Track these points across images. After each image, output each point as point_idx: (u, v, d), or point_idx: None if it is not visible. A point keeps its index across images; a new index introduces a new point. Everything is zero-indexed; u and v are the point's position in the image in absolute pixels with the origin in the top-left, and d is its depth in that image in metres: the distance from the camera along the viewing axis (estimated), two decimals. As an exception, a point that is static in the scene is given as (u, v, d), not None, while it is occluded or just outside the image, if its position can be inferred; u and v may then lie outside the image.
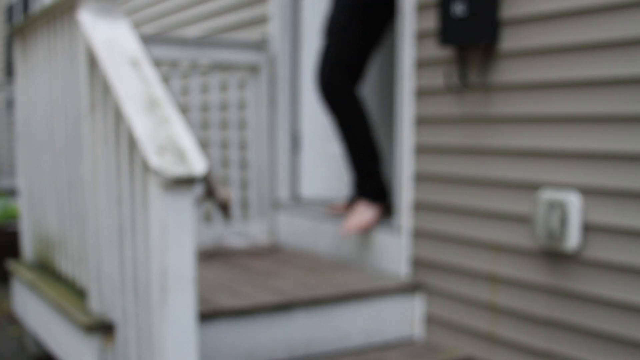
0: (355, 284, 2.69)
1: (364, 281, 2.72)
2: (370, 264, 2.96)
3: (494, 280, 2.49)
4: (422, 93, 2.75)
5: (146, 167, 1.85)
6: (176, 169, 1.75)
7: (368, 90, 3.54)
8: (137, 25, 5.22)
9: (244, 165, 3.58)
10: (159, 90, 1.99)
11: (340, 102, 3.01)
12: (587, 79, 2.18)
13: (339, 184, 3.30)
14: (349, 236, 3.01)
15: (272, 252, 3.38)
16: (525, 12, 2.35)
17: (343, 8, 3.03)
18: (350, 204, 3.11)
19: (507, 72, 2.42)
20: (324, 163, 3.44)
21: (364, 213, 2.91)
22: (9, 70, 9.08)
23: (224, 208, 3.41)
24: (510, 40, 2.40)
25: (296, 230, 3.38)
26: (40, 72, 2.84)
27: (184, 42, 3.29)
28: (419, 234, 2.78)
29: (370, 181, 3.00)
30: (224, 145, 3.68)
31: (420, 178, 2.77)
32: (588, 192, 2.19)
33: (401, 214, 2.82)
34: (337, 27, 3.03)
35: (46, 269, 2.91)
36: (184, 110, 3.50)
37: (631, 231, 2.07)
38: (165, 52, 3.22)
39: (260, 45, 3.45)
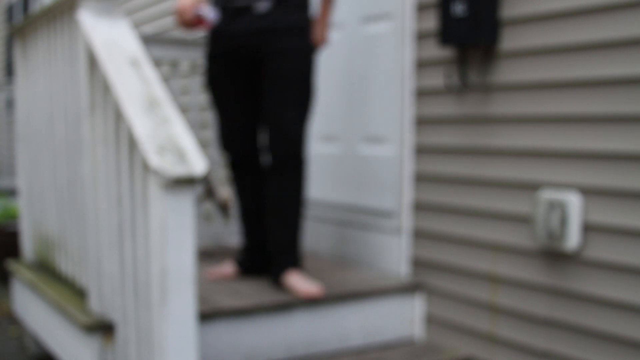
0: (355, 284, 2.69)
1: (364, 281, 2.72)
2: (371, 264, 2.96)
3: (494, 280, 2.49)
4: (422, 93, 2.75)
5: (146, 167, 1.85)
6: (176, 169, 1.75)
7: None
8: (137, 25, 5.23)
9: (244, 165, 3.58)
10: (159, 90, 1.99)
11: (303, 167, 2.65)
12: (587, 79, 2.18)
13: (338, 185, 3.29)
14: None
15: (272, 252, 3.37)
16: (525, 12, 2.35)
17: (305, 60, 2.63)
18: (249, 271, 2.80)
19: (507, 72, 2.42)
20: (323, 164, 3.44)
21: (306, 282, 2.56)
22: (9, 70, 9.08)
23: (224, 208, 3.41)
24: (510, 40, 2.40)
25: (296, 230, 3.38)
26: (40, 72, 2.84)
27: (184, 42, 3.29)
28: (419, 234, 2.78)
29: (296, 251, 2.66)
30: (224, 145, 3.67)
31: (421, 178, 2.77)
32: (588, 192, 2.19)
33: (401, 214, 2.82)
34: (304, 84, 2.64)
35: (46, 269, 2.91)
36: (184, 110, 3.50)
37: (631, 231, 2.07)
38: (165, 52, 3.23)
39: (260, 45, 3.44)
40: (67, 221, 2.59)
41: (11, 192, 5.41)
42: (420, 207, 2.78)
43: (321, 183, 3.39)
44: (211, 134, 3.51)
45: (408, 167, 2.80)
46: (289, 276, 2.58)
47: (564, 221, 2.21)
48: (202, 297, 2.43)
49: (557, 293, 2.29)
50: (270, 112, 2.59)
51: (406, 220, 2.80)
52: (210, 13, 2.54)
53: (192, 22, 2.52)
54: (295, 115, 2.58)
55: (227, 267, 2.81)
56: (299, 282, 2.54)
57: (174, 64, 3.29)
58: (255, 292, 2.56)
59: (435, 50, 2.67)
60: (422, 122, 2.75)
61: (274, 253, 2.65)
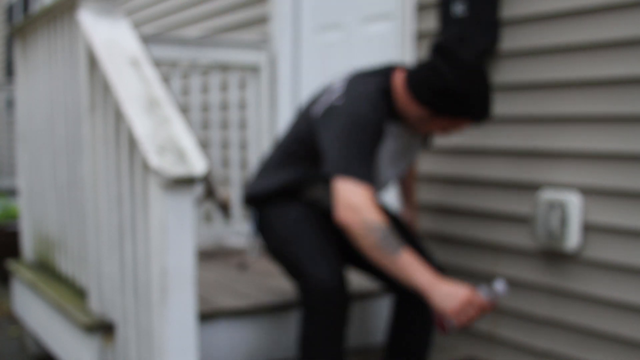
0: (353, 284, 2.69)
1: (364, 281, 2.72)
2: (370, 264, 2.96)
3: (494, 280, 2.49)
4: (422, 93, 2.74)
5: (146, 167, 1.85)
6: (176, 169, 1.75)
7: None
8: (137, 25, 5.22)
9: (244, 165, 3.58)
10: (159, 90, 1.99)
11: None
12: (587, 79, 2.18)
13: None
14: None
15: (272, 252, 3.37)
16: (525, 12, 2.35)
17: None
18: None
19: (507, 72, 2.42)
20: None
21: None
22: (9, 70, 9.08)
23: (224, 208, 3.41)
24: (510, 40, 2.40)
25: (296, 230, 3.38)
26: (40, 71, 2.83)
27: (184, 42, 3.29)
28: (418, 234, 2.78)
29: None
30: (224, 145, 3.68)
31: (420, 178, 2.77)
32: (588, 192, 2.19)
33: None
34: None
35: (46, 269, 2.91)
36: (184, 110, 3.50)
37: (631, 231, 2.07)
38: (165, 52, 3.22)
39: (260, 45, 3.45)
40: (67, 221, 2.59)
41: (11, 192, 5.41)
42: (420, 208, 2.77)
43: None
44: (211, 134, 3.52)
45: (408, 167, 2.80)
46: None
47: (564, 221, 2.21)
48: (202, 297, 2.43)
49: (557, 293, 2.29)
50: None
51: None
52: (500, 286, 1.94)
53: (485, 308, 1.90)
54: None
55: None
56: None
57: (174, 64, 3.29)
58: (255, 292, 2.56)
59: (435, 50, 2.67)
60: (422, 122, 2.75)
61: None
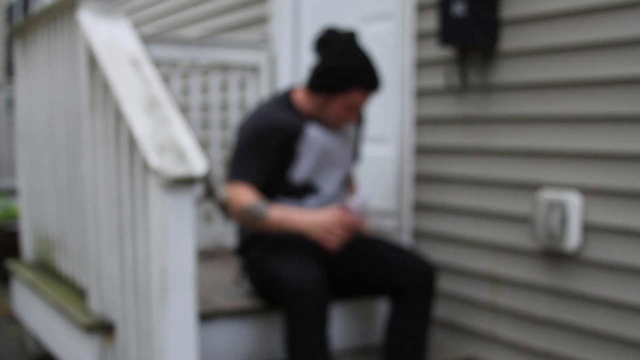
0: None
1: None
2: (370, 264, 2.96)
3: (494, 280, 2.49)
4: (422, 93, 2.75)
5: (146, 167, 1.85)
6: (176, 169, 1.75)
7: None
8: (137, 25, 5.22)
9: (244, 165, 3.58)
10: (159, 90, 1.99)
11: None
12: (587, 79, 2.18)
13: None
14: None
15: (272, 252, 3.37)
16: (525, 12, 2.34)
17: None
18: None
19: (507, 72, 2.42)
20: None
21: None
22: (9, 70, 9.08)
23: (224, 208, 3.40)
24: (510, 40, 2.40)
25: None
26: (40, 72, 2.83)
27: (183, 42, 3.29)
28: (419, 234, 2.78)
29: None
30: (224, 145, 3.67)
31: (421, 178, 2.77)
32: (588, 192, 2.19)
33: (402, 214, 2.82)
34: None
35: (46, 269, 2.91)
36: (184, 110, 3.50)
37: (631, 231, 2.07)
38: (165, 52, 3.22)
39: (260, 45, 3.45)
40: (67, 221, 2.59)
41: (11, 192, 5.41)
42: (420, 207, 2.78)
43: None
44: (211, 134, 3.52)
45: (408, 167, 2.80)
46: None
47: (564, 221, 2.21)
48: (202, 297, 2.43)
49: (557, 293, 2.29)
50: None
51: (406, 220, 2.80)
52: (357, 199, 2.18)
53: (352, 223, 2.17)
54: None
55: None
56: None
57: (174, 64, 3.29)
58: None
59: (435, 50, 2.67)
60: (422, 122, 2.75)
61: None
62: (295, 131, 2.31)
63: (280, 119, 2.31)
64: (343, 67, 2.24)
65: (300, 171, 2.33)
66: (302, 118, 2.34)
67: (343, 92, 2.25)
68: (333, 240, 2.16)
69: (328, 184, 2.38)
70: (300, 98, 2.37)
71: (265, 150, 2.28)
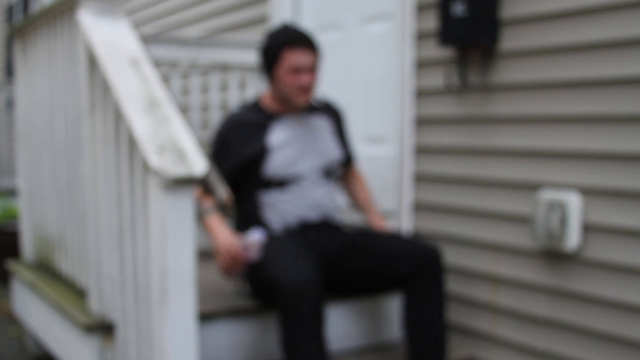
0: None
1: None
2: (370, 264, 2.96)
3: (494, 280, 2.49)
4: (422, 93, 2.75)
5: (146, 167, 1.85)
6: (176, 169, 1.75)
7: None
8: (137, 25, 5.22)
9: (244, 165, 3.58)
10: (159, 90, 1.99)
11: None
12: (586, 79, 2.18)
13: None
14: None
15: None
16: (525, 12, 2.35)
17: None
18: None
19: (507, 72, 2.42)
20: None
21: None
22: (9, 70, 9.08)
23: (224, 208, 3.40)
24: (510, 40, 2.40)
25: (296, 230, 3.38)
26: (40, 72, 2.83)
27: (183, 42, 3.29)
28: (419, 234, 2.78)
29: None
30: (224, 145, 3.67)
31: (421, 178, 2.77)
32: (588, 192, 2.19)
33: (401, 214, 2.82)
34: None
35: (46, 269, 2.91)
36: (184, 110, 3.50)
37: (631, 231, 2.07)
38: (165, 52, 3.22)
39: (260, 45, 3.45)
40: (67, 221, 2.59)
41: (11, 192, 5.41)
42: (420, 207, 2.78)
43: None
44: (211, 133, 3.51)
45: (408, 167, 2.80)
46: None
47: (564, 221, 2.21)
48: (202, 297, 2.43)
49: (557, 293, 2.29)
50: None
51: (406, 220, 2.80)
52: (255, 235, 2.31)
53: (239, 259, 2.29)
54: None
55: None
56: None
57: (174, 64, 3.29)
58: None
59: (435, 50, 2.67)
60: (422, 122, 2.75)
61: None
62: (261, 128, 2.44)
63: (246, 119, 2.47)
64: (268, 42, 2.42)
65: (274, 166, 2.41)
66: (269, 116, 2.47)
67: (279, 60, 2.38)
68: (220, 266, 2.30)
69: (307, 174, 2.45)
70: (266, 99, 2.51)
71: (230, 149, 2.44)
